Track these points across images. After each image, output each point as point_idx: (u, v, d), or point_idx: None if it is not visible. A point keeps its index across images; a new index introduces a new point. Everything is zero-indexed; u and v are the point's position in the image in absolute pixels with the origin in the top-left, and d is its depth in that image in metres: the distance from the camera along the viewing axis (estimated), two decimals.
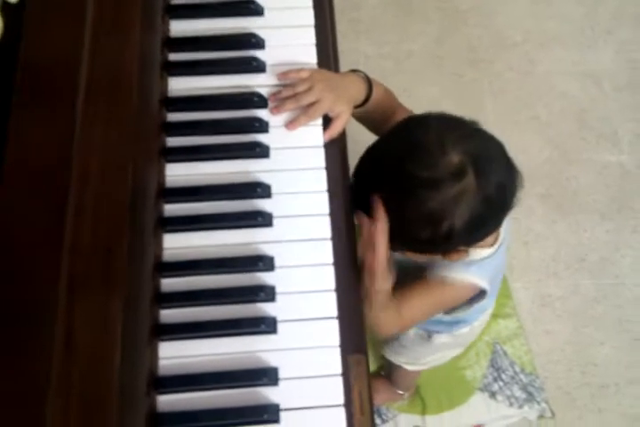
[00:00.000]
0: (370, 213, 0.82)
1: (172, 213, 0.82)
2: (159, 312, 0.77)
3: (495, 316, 1.65)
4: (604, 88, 1.96)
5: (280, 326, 0.78)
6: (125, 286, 0.67)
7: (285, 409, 0.75)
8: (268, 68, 0.92)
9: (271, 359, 0.77)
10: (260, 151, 0.85)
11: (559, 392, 1.67)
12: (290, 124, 0.87)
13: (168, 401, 0.74)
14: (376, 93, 0.96)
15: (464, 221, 0.79)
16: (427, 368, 1.39)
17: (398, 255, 0.92)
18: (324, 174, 0.86)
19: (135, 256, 0.70)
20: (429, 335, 1.21)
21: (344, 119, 0.90)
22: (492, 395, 1.59)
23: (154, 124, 0.83)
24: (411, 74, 1.94)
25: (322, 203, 0.85)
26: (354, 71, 0.97)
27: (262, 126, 0.87)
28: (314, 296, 0.80)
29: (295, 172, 0.86)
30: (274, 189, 0.84)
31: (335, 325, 0.79)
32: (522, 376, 1.61)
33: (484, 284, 0.95)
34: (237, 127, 0.87)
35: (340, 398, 0.76)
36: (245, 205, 0.83)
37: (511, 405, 1.58)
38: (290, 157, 0.87)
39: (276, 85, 0.90)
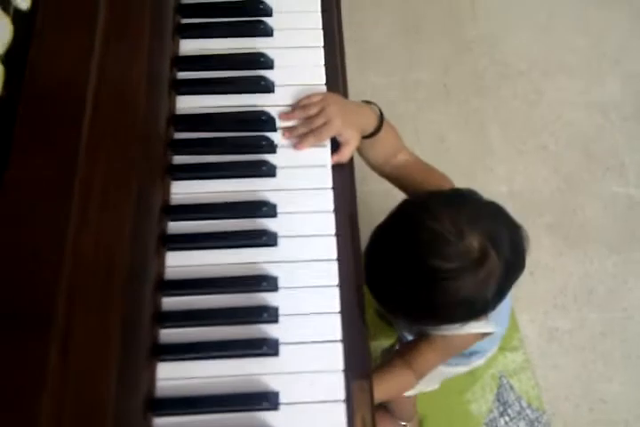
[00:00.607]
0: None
1: (176, 230, 0.80)
2: (159, 331, 0.75)
3: (502, 349, 1.62)
4: (610, 118, 1.95)
5: (282, 349, 0.76)
6: (125, 302, 0.65)
7: None
8: (276, 89, 0.91)
9: (272, 383, 0.74)
10: (267, 170, 0.84)
11: None
12: (298, 145, 0.86)
13: (165, 425, 0.71)
14: (385, 132, 0.96)
15: (494, 293, 0.80)
16: (416, 392, 1.35)
17: None
18: (330, 194, 0.85)
19: (136, 273, 0.69)
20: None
21: (352, 145, 0.89)
22: None
23: (160, 141, 0.82)
24: (417, 102, 1.94)
25: (328, 223, 0.83)
26: (368, 103, 0.96)
27: (269, 146, 0.85)
28: (318, 318, 0.78)
29: (302, 191, 0.84)
30: (280, 209, 0.83)
31: (339, 348, 0.77)
32: (528, 412, 1.57)
33: (488, 329, 0.96)
34: (245, 146, 0.86)
35: (343, 425, 0.73)
36: (250, 223, 0.82)
37: None
38: (297, 176, 0.85)
39: (285, 106, 0.90)
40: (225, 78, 0.90)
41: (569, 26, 2.09)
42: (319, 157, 0.88)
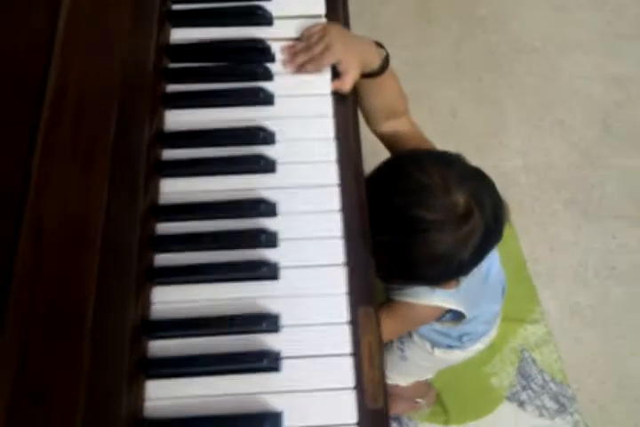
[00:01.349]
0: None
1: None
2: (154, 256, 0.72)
3: (522, 321, 1.57)
4: (628, 92, 1.91)
5: (283, 272, 0.73)
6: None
7: (286, 357, 0.69)
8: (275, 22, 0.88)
9: (272, 306, 0.71)
10: (265, 97, 0.81)
11: (593, 406, 1.55)
12: (295, 68, 0.84)
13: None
14: (388, 78, 0.93)
15: (470, 255, 0.80)
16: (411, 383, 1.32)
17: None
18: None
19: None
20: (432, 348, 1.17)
21: (352, 75, 0.86)
22: (521, 404, 1.49)
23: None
24: (430, 78, 1.91)
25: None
26: (378, 45, 0.93)
27: (266, 73, 0.83)
28: (320, 242, 0.75)
29: (299, 119, 0.80)
30: (278, 136, 0.80)
31: (343, 272, 0.73)
32: (552, 385, 1.51)
33: (451, 306, 0.96)
34: (241, 75, 0.83)
35: (348, 348, 0.70)
36: (249, 150, 0.79)
37: (541, 415, 1.48)
38: (295, 104, 0.81)
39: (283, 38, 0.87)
40: (221, 9, 0.87)
41: (582, 2, 2.06)
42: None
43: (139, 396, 0.64)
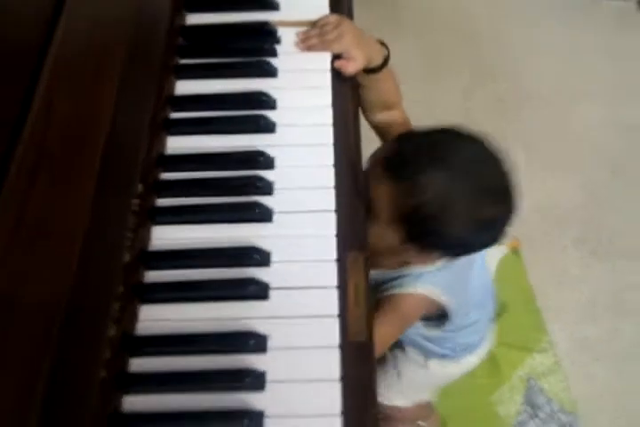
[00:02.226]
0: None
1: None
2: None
3: (529, 350, 1.55)
4: (635, 139, 1.97)
5: (276, 217, 0.77)
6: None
7: (277, 288, 0.72)
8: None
9: (262, 243, 0.75)
10: (269, 70, 0.87)
11: None
12: (303, 45, 0.91)
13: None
14: (386, 75, 1.00)
15: (475, 231, 0.83)
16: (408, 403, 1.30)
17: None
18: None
19: None
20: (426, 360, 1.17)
21: (357, 63, 0.92)
22: None
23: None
24: (440, 122, 1.99)
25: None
26: (380, 42, 1.00)
27: (271, 50, 0.89)
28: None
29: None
30: (280, 103, 0.86)
31: (332, 218, 0.77)
32: (561, 415, 1.47)
33: (435, 295, 0.97)
34: (248, 51, 0.90)
35: (333, 284, 0.72)
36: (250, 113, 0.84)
37: None
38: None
39: (289, 22, 0.95)
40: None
41: (592, 52, 2.15)
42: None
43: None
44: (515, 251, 1.70)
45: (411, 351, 1.17)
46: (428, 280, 0.95)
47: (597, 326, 1.66)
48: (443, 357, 1.15)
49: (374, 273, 0.91)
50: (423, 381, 1.24)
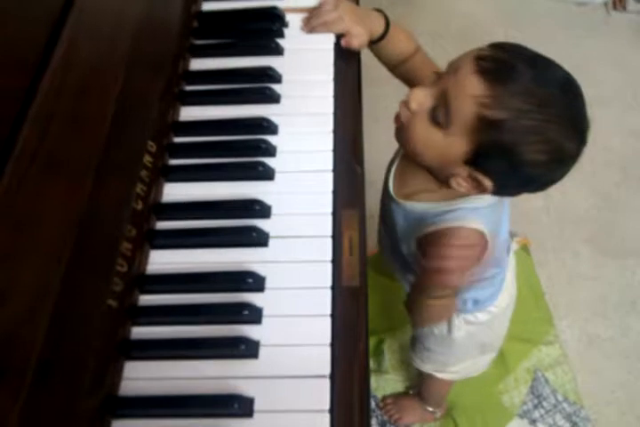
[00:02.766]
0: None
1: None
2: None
3: (536, 343, 1.58)
4: None
5: (278, 176, 0.83)
6: None
7: (275, 236, 0.78)
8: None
9: (264, 197, 0.81)
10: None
11: None
12: (306, 26, 0.98)
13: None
14: (394, 31, 1.04)
15: (544, 165, 0.78)
16: (458, 378, 1.32)
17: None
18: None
19: None
20: (449, 329, 1.15)
21: (362, 38, 0.98)
22: (533, 422, 1.47)
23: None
24: None
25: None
26: (377, 10, 1.05)
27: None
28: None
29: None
30: (285, 75, 0.93)
31: (329, 177, 0.83)
32: (565, 405, 1.49)
33: (483, 229, 0.86)
34: (255, 32, 0.98)
35: (328, 235, 0.78)
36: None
37: None
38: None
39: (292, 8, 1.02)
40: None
41: (605, 63, 2.20)
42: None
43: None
44: (524, 248, 1.73)
45: None
46: (485, 216, 0.86)
47: (608, 324, 1.68)
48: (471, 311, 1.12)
49: (418, 206, 0.89)
50: (453, 352, 1.21)
